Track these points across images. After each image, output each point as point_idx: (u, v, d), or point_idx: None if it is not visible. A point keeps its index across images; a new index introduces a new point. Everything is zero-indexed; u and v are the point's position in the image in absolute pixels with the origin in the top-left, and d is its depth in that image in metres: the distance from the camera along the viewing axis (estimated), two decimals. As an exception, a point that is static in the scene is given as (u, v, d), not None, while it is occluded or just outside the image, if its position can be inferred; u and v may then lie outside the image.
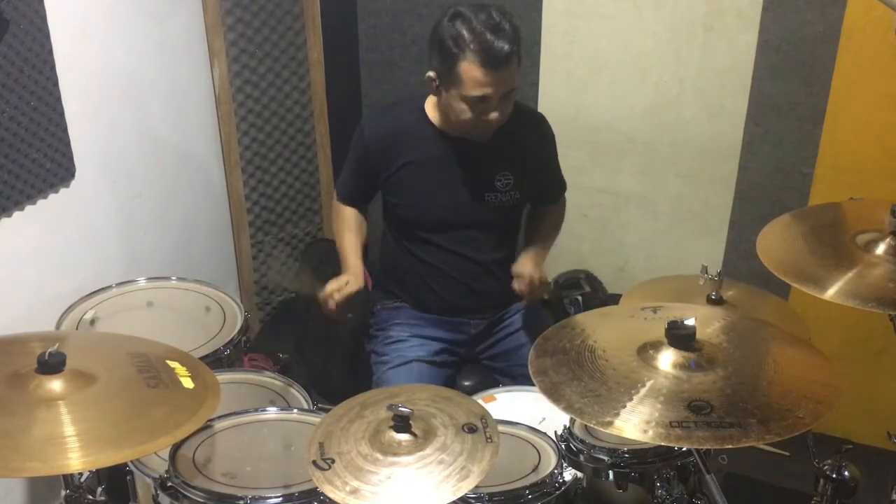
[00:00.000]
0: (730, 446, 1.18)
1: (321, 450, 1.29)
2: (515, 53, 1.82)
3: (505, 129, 1.96)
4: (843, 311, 1.48)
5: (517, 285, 2.03)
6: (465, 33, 1.80)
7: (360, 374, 2.26)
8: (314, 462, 1.27)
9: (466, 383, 2.14)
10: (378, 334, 2.18)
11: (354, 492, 1.21)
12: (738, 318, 1.57)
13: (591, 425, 1.31)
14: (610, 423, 1.22)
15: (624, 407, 1.24)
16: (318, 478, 1.24)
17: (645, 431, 1.19)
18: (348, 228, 2.17)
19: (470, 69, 1.80)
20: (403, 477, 1.24)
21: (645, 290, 2.00)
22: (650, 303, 1.54)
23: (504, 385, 2.01)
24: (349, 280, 2.04)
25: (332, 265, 2.64)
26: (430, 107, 2.02)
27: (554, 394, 1.32)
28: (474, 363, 2.19)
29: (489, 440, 1.33)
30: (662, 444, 1.20)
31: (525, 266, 2.05)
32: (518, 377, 2.04)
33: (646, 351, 1.36)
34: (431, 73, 1.90)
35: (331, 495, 1.22)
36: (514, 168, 2.05)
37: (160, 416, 1.33)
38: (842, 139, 2.47)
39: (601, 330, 1.51)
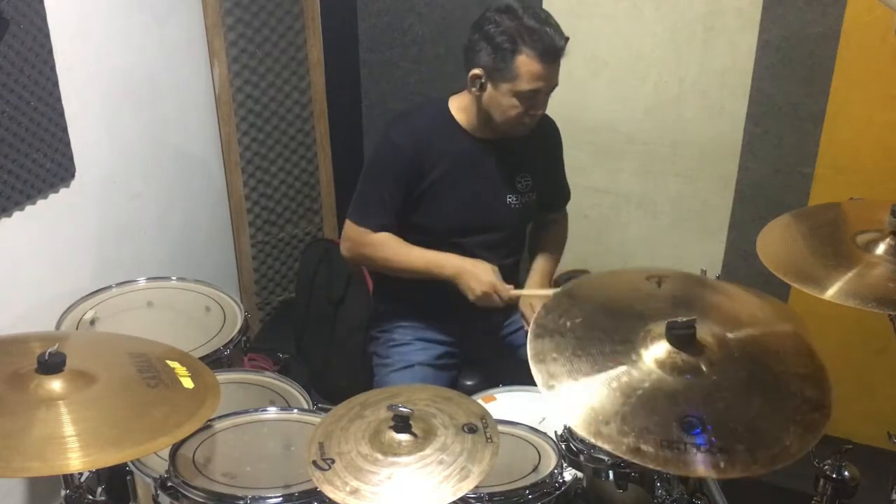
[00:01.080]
0: (714, 476, 1.15)
1: (321, 450, 1.29)
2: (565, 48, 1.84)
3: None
4: (843, 311, 1.47)
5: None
6: (521, 28, 1.81)
7: (360, 374, 2.25)
8: (314, 462, 1.27)
9: (468, 383, 2.14)
10: (380, 336, 2.17)
11: (354, 492, 1.21)
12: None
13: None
14: (599, 435, 1.18)
15: (617, 414, 1.19)
16: (318, 478, 1.24)
17: (638, 449, 1.14)
18: (400, 243, 1.99)
19: (528, 63, 1.81)
20: (404, 477, 1.24)
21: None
22: (654, 271, 1.49)
23: (505, 384, 2.01)
24: (490, 267, 1.94)
25: (332, 265, 2.65)
26: (456, 108, 2.00)
27: (552, 391, 1.31)
28: (475, 362, 2.19)
29: (489, 440, 1.32)
30: (651, 466, 1.15)
31: (539, 305, 2.03)
32: (520, 375, 2.03)
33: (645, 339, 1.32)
34: (477, 70, 1.88)
35: (331, 495, 1.21)
36: (532, 169, 2.06)
37: (160, 416, 1.33)
38: (842, 139, 2.47)
39: (601, 307, 1.44)
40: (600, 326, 1.35)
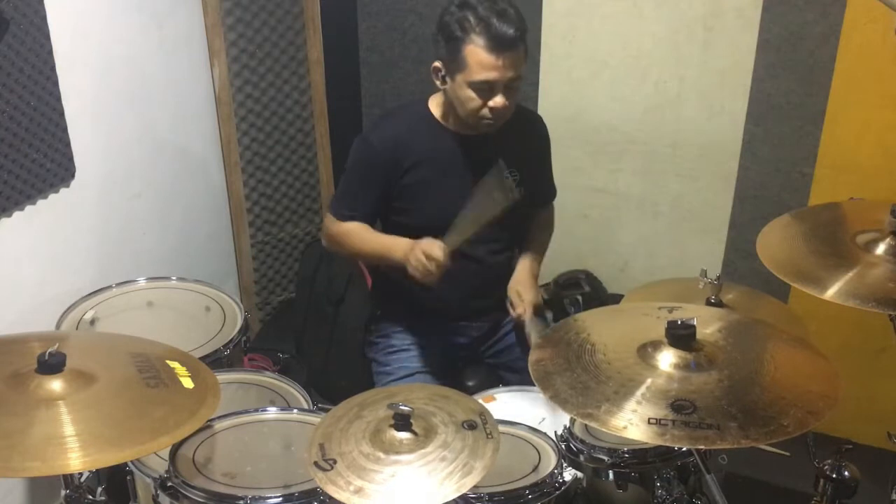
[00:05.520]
0: (702, 447, 1.18)
1: (322, 451, 1.29)
2: (520, 39, 1.82)
3: (508, 125, 1.96)
4: (843, 311, 1.48)
5: (518, 309, 2.01)
6: (471, 18, 1.81)
7: (360, 374, 2.25)
8: (316, 463, 1.27)
9: (469, 383, 2.13)
10: (379, 341, 2.16)
11: (359, 491, 1.21)
12: (745, 320, 1.57)
13: (572, 416, 1.32)
14: (590, 416, 1.24)
15: (608, 401, 1.25)
16: (322, 479, 1.24)
17: (624, 427, 1.21)
18: (365, 229, 2.01)
19: (476, 52, 1.80)
20: (407, 475, 1.25)
21: (644, 293, 2.00)
22: (665, 302, 1.54)
23: (506, 382, 2.02)
24: (421, 243, 1.86)
25: (332, 265, 2.65)
26: (435, 105, 2.01)
27: (544, 382, 1.33)
28: (476, 362, 2.19)
29: (489, 436, 1.33)
30: (636, 439, 1.21)
31: (526, 290, 2.04)
32: (520, 370, 2.03)
33: (645, 350, 1.37)
34: (437, 63, 1.90)
35: (335, 495, 1.22)
36: (519, 164, 2.05)
37: (160, 416, 1.33)
38: (842, 139, 2.47)
39: (608, 326, 1.51)
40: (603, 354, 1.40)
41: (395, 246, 1.94)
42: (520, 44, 1.82)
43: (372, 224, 2.04)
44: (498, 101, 1.85)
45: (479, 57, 1.80)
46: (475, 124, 1.92)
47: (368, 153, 1.98)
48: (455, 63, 1.84)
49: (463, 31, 1.81)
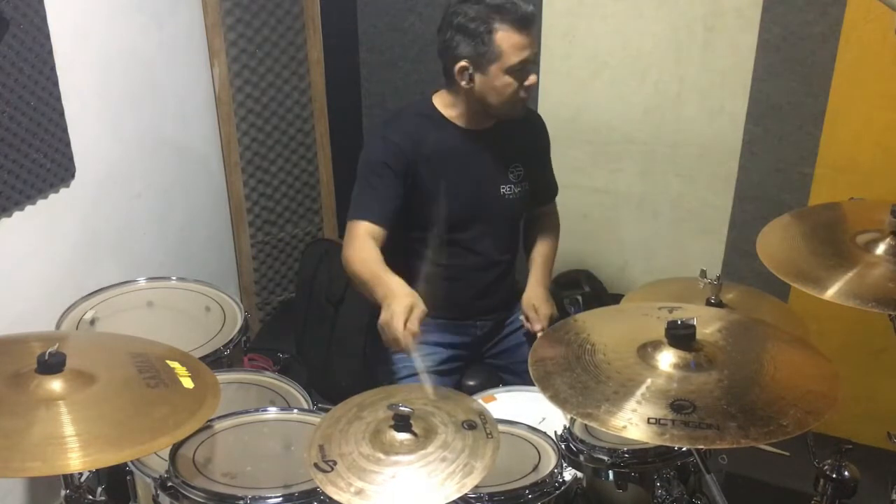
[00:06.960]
0: (702, 447, 1.18)
1: (322, 452, 1.29)
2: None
3: (512, 120, 1.98)
4: (843, 311, 1.47)
5: (536, 324, 2.02)
6: (488, 8, 1.84)
7: (360, 374, 2.25)
8: (316, 465, 1.27)
9: (469, 383, 2.13)
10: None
11: (360, 492, 1.21)
12: (745, 320, 1.57)
13: (572, 415, 1.32)
14: (589, 415, 1.24)
15: (608, 401, 1.26)
16: (322, 480, 1.24)
17: (624, 427, 1.21)
18: (375, 256, 1.86)
19: (507, 37, 1.83)
20: (407, 476, 1.24)
21: (644, 293, 2.00)
22: (665, 302, 1.54)
23: (507, 382, 2.01)
24: (410, 303, 1.72)
25: (332, 265, 2.65)
26: (440, 103, 2.01)
27: (544, 382, 1.33)
28: (478, 362, 2.19)
29: (489, 436, 1.33)
30: (636, 438, 1.21)
31: (542, 304, 2.05)
32: (521, 373, 2.04)
33: (645, 350, 1.37)
34: (463, 62, 1.89)
35: (336, 497, 1.21)
36: (523, 159, 2.07)
37: (160, 416, 1.33)
38: (842, 139, 2.47)
39: (608, 326, 1.52)
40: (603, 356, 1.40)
41: (379, 284, 1.80)
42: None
43: (390, 226, 1.92)
44: (532, 78, 1.90)
45: (512, 40, 1.83)
46: (511, 110, 1.94)
47: (388, 149, 1.94)
48: (486, 56, 1.86)
49: (486, 23, 1.84)
